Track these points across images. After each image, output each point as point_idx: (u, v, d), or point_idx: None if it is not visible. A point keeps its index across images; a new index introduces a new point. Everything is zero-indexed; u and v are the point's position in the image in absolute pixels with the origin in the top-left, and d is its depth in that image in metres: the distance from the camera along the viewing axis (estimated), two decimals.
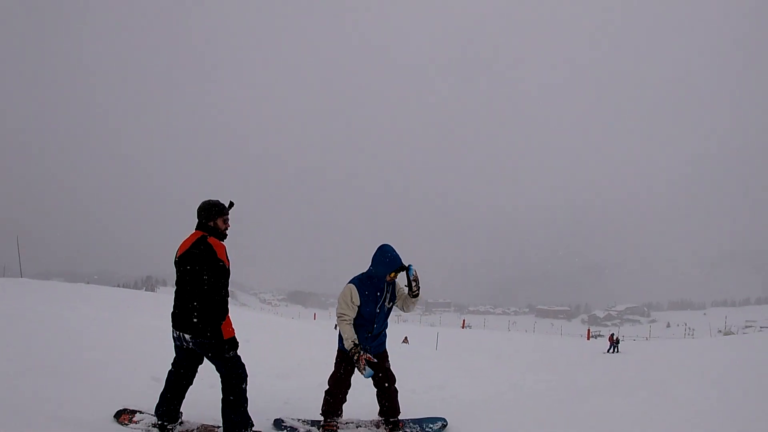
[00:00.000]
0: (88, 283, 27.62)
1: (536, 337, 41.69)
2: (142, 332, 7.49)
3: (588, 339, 41.82)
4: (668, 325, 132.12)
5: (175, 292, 3.53)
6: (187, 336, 3.40)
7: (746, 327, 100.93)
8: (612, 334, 24.05)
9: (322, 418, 4.05)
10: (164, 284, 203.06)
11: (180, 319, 3.43)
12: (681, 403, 4.98)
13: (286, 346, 9.02)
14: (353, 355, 3.71)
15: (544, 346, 23.30)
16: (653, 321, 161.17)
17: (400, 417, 4.14)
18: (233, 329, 3.45)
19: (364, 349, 3.88)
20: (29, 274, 19.20)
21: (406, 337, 23.51)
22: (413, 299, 3.97)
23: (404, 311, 4.11)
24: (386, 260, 3.84)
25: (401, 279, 4.00)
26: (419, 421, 4.20)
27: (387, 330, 4.22)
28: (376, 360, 3.88)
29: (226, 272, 3.38)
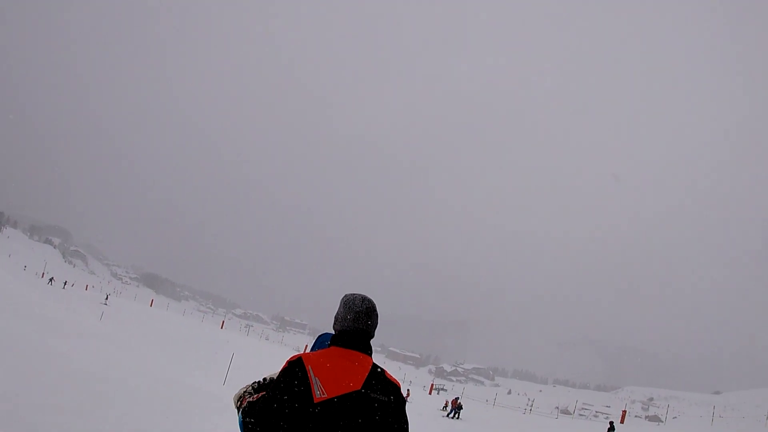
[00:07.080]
0: None
1: None
2: None
3: (430, 393, 40.15)
4: (509, 392, 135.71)
5: None
6: None
7: (583, 409, 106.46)
8: (456, 398, 23.65)
9: None
10: (14, 226, 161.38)
11: None
12: None
13: None
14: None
15: None
16: (497, 385, 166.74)
17: None
18: None
19: None
20: None
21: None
22: None
23: None
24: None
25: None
26: None
27: None
28: None
29: None
